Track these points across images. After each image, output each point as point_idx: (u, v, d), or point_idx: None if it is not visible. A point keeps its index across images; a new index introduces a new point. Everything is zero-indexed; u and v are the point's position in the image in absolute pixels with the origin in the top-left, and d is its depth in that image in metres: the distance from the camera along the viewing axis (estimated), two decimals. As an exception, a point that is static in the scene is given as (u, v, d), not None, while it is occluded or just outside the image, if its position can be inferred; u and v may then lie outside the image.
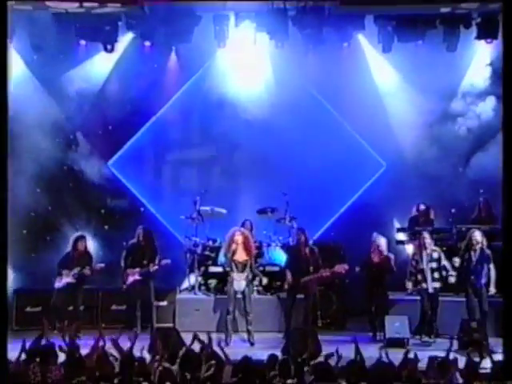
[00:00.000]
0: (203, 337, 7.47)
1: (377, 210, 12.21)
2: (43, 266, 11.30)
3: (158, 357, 6.99)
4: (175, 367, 6.60)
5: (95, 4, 10.59)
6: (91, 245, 11.46)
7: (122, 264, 10.64)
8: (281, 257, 11.78)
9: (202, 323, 10.62)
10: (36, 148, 11.83)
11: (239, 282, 10.21)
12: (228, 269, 10.38)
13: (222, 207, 12.01)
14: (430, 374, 6.88)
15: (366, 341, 10.09)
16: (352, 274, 10.65)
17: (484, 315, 10.06)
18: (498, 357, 7.28)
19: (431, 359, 7.16)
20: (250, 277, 10.34)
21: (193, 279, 11.59)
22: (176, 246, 12.00)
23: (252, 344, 10.18)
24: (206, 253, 11.64)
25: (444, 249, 10.79)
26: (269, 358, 7.09)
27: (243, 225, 11.46)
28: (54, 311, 10.43)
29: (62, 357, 7.06)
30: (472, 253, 10.21)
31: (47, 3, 10.53)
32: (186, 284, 11.82)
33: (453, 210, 11.55)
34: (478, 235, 10.28)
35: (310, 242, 10.86)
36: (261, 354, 7.88)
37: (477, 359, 7.08)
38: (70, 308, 10.56)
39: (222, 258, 10.65)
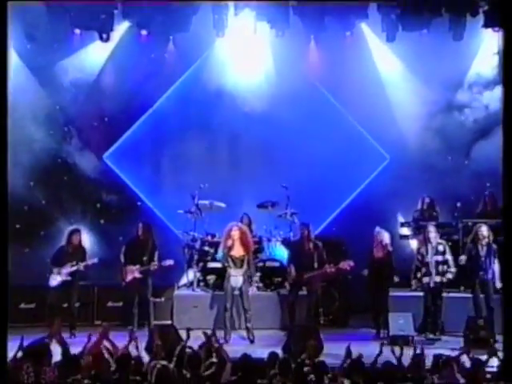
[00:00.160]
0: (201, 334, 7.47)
1: (380, 204, 12.17)
2: (37, 261, 11.28)
3: (154, 354, 6.99)
4: (172, 365, 6.59)
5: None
6: (86, 239, 11.44)
7: (122, 259, 10.64)
8: (281, 252, 11.77)
9: (201, 320, 10.61)
10: (29, 140, 11.79)
11: (236, 277, 10.19)
12: (225, 264, 10.36)
13: (221, 201, 11.97)
14: (434, 372, 6.86)
15: (369, 338, 10.08)
16: (356, 270, 10.62)
17: (491, 312, 10.05)
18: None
19: (436, 357, 7.14)
20: (248, 273, 10.31)
21: (191, 275, 11.57)
22: (174, 241, 11.98)
23: (252, 341, 10.16)
24: (205, 248, 11.61)
25: (449, 244, 10.77)
26: (269, 356, 7.09)
27: (241, 220, 11.46)
28: (50, 309, 10.40)
29: (57, 356, 7.03)
30: (479, 248, 10.19)
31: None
32: (184, 280, 11.81)
33: (458, 204, 11.50)
34: (484, 230, 10.26)
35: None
36: (261, 351, 7.88)
37: (484, 358, 7.06)
38: (65, 305, 10.54)
39: (220, 254, 10.64)
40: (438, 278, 10.21)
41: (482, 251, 10.17)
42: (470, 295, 10.37)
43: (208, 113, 12.68)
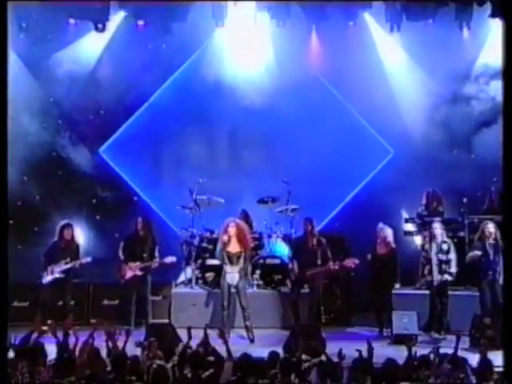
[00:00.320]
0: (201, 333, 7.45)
1: (384, 200, 12.14)
2: (31, 258, 11.25)
3: (151, 354, 6.98)
4: (170, 365, 6.57)
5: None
6: (82, 236, 11.42)
7: (121, 256, 10.62)
8: (282, 249, 11.75)
9: (199, 319, 10.54)
10: (22, 133, 11.75)
11: (232, 274, 10.17)
12: (221, 261, 10.34)
13: (220, 196, 11.94)
14: (440, 372, 6.84)
15: (372, 337, 10.05)
16: (359, 268, 10.60)
17: (498, 310, 10.02)
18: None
19: (441, 357, 7.11)
20: (245, 270, 10.28)
21: (189, 272, 11.55)
22: (172, 238, 11.96)
23: (252, 341, 10.14)
24: (204, 245, 11.59)
25: (455, 240, 10.75)
26: (269, 356, 7.07)
27: (239, 216, 11.44)
28: (43, 307, 10.38)
29: (51, 355, 7.01)
30: (487, 246, 10.17)
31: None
32: (182, 277, 11.78)
33: (464, 200, 11.47)
34: (491, 227, 10.23)
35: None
36: (261, 351, 7.85)
37: (491, 357, 7.04)
38: (60, 303, 10.51)
39: (218, 250, 10.62)
40: (439, 277, 10.19)
41: (491, 249, 10.14)
42: (474, 293, 10.35)
43: (207, 105, 12.64)
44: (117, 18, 12.11)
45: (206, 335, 7.37)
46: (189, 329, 7.45)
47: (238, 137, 12.85)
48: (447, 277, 10.18)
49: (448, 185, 11.93)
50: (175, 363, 6.63)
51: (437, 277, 10.19)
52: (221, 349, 7.35)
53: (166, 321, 10.64)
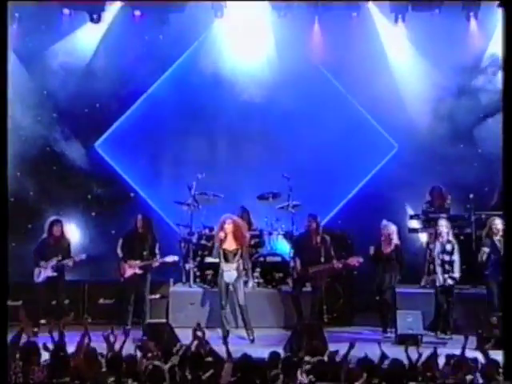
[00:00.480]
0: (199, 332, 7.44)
1: (388, 196, 12.14)
2: (25, 256, 11.22)
3: (149, 354, 6.97)
4: (167, 366, 6.56)
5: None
6: (77, 232, 11.41)
7: (119, 253, 10.60)
8: (283, 246, 11.73)
9: (198, 318, 10.51)
10: (15, 128, 11.70)
11: (229, 272, 10.14)
12: (217, 259, 10.33)
13: (219, 192, 11.92)
14: (446, 373, 6.83)
15: (376, 337, 10.05)
16: (363, 266, 10.59)
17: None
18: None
19: (448, 357, 7.11)
20: (242, 267, 10.26)
21: (188, 270, 11.52)
22: (169, 235, 11.93)
23: (252, 341, 10.12)
24: (202, 242, 11.57)
25: (461, 238, 10.72)
26: (270, 356, 7.05)
27: (239, 213, 11.42)
28: (37, 307, 10.37)
29: (45, 355, 7.00)
30: (496, 243, 10.15)
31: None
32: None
33: (471, 195, 11.45)
34: (498, 223, 10.21)
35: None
36: (261, 351, 7.84)
37: (498, 357, 7.03)
38: (53, 302, 10.49)
39: (215, 248, 10.60)
40: (442, 277, 10.19)
41: (500, 245, 10.12)
42: (481, 291, 10.34)
43: (205, 98, 12.61)
44: (113, 9, 12.11)
45: (194, 336, 7.33)
46: (194, 330, 7.42)
47: (238, 131, 12.81)
48: (450, 281, 10.17)
49: (454, 180, 11.88)
50: (175, 363, 6.61)
51: (440, 276, 10.18)
52: (218, 349, 7.33)
53: (164, 320, 10.63)
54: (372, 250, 10.49)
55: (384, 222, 10.65)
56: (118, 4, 12.05)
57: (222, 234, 10.20)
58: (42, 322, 10.24)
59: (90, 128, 12.73)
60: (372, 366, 6.41)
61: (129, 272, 10.53)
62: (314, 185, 12.33)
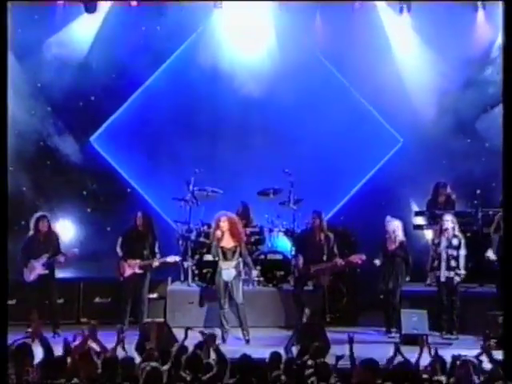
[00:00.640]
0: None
1: (392, 192, 12.14)
2: (17, 253, 11.19)
3: (145, 355, 6.95)
4: (166, 367, 6.53)
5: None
6: (71, 229, 11.39)
7: (119, 252, 10.57)
8: (284, 244, 11.72)
9: (197, 318, 10.57)
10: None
11: (228, 271, 10.11)
12: (215, 257, 10.30)
13: (218, 188, 11.88)
14: (452, 374, 6.81)
15: (381, 338, 10.03)
16: (366, 264, 10.56)
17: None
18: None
19: (454, 358, 7.09)
20: (242, 265, 10.23)
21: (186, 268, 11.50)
22: (167, 232, 11.89)
23: (247, 341, 10.08)
24: (201, 239, 11.54)
25: (467, 235, 10.69)
26: (271, 357, 7.02)
27: (238, 209, 11.43)
28: (29, 307, 10.34)
29: (39, 356, 6.98)
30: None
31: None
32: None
33: (478, 191, 11.43)
34: (506, 219, 10.19)
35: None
36: (262, 351, 7.82)
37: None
38: (46, 302, 10.45)
39: (213, 246, 10.58)
40: (447, 273, 10.16)
41: (509, 242, 10.10)
42: (491, 290, 10.31)
43: (204, 91, 12.57)
44: (109, -2, 12.07)
45: (186, 336, 7.31)
46: (186, 329, 7.39)
47: (238, 124, 12.77)
48: (456, 278, 10.14)
49: (460, 175, 11.88)
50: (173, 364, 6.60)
51: (444, 273, 10.16)
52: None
53: (161, 320, 10.60)
54: (378, 262, 10.42)
55: (388, 217, 10.62)
56: (114, -7, 12.04)
57: (218, 233, 10.17)
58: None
59: (85, 122, 12.70)
60: (378, 368, 6.38)
61: (128, 271, 10.51)
62: (316, 180, 12.32)
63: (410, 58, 12.60)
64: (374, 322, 10.72)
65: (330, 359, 7.16)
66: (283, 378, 6.52)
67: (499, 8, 11.80)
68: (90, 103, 12.60)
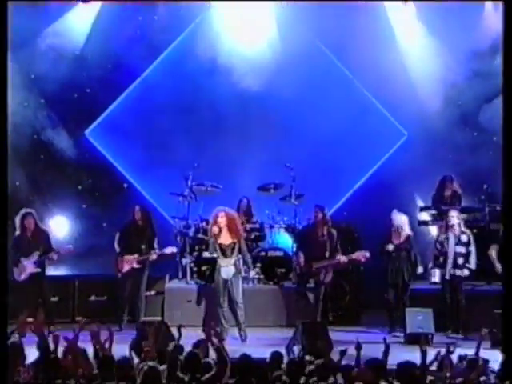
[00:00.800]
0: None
1: (396, 186, 12.12)
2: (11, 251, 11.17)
3: (142, 355, 6.91)
4: (164, 366, 6.49)
5: None
6: (66, 225, 11.35)
7: (117, 248, 10.57)
8: (285, 240, 11.70)
9: (195, 316, 10.53)
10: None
11: (227, 268, 10.10)
12: (213, 254, 10.27)
13: (217, 183, 11.84)
14: (458, 374, 6.78)
15: (384, 336, 9.97)
16: (370, 261, 10.52)
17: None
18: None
19: (460, 358, 7.06)
20: (242, 262, 10.19)
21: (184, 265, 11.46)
22: (165, 228, 11.86)
23: (243, 340, 10.07)
24: (199, 236, 11.51)
25: (474, 231, 10.66)
26: (272, 356, 6.98)
27: (239, 204, 11.42)
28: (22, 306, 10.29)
29: (33, 356, 6.94)
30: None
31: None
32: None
33: (485, 186, 11.40)
34: (514, 215, 10.14)
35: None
36: (262, 351, 7.78)
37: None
38: (39, 301, 10.41)
39: (211, 243, 10.55)
40: (453, 271, 10.13)
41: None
42: (494, 289, 10.30)
43: (202, 83, 12.51)
44: (105, -12, 12.02)
45: (180, 334, 7.26)
46: (179, 327, 7.34)
47: (237, 117, 12.73)
48: (466, 272, 10.10)
49: (468, 170, 11.84)
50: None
51: (451, 271, 10.11)
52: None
53: (159, 318, 10.57)
54: (391, 247, 10.33)
55: (394, 211, 10.58)
56: (111, -17, 11.99)
57: (215, 229, 10.15)
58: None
59: (81, 114, 12.69)
60: (383, 368, 6.36)
61: (126, 267, 10.50)
62: (318, 175, 12.31)
63: (414, 49, 12.56)
64: (378, 320, 10.70)
65: (333, 356, 7.12)
66: (284, 378, 6.48)
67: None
68: (86, 95, 12.57)
